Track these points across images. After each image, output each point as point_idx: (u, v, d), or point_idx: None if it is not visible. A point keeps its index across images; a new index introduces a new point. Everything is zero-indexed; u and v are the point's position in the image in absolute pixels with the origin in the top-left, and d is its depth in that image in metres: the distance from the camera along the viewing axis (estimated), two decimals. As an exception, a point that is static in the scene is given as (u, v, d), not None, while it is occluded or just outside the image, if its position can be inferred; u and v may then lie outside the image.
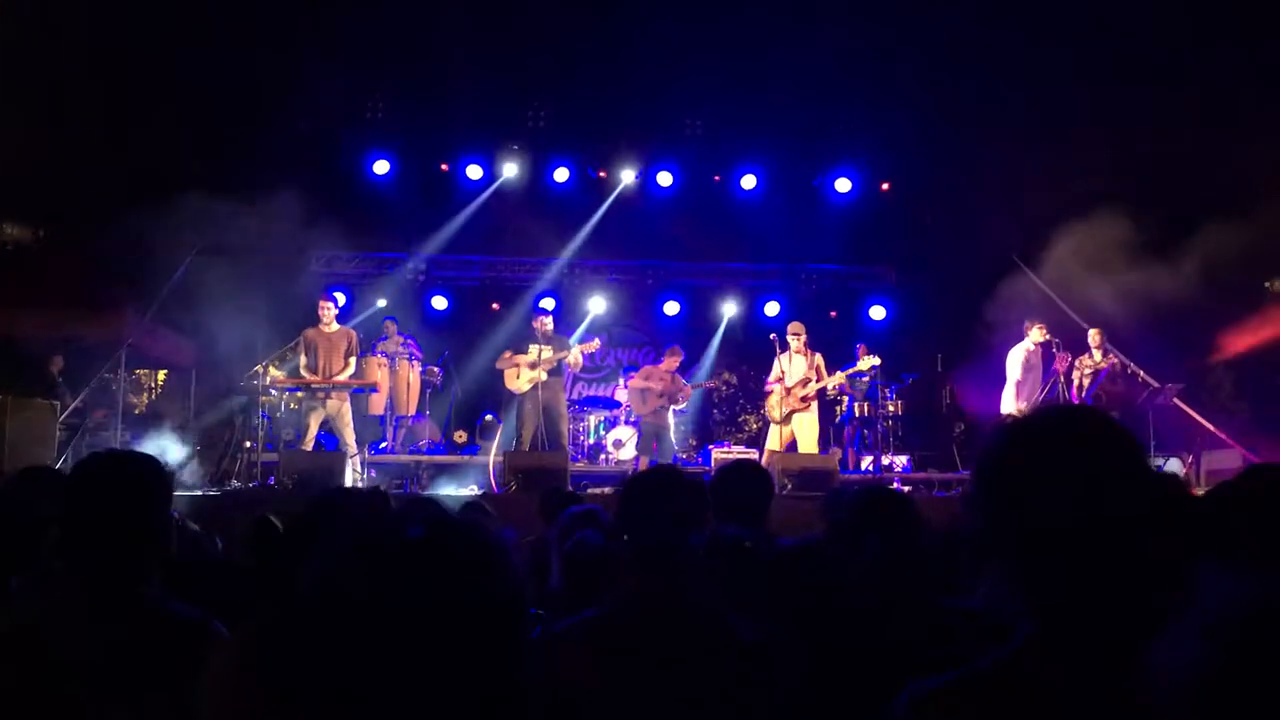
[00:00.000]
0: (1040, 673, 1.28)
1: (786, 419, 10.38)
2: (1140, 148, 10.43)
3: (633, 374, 12.01)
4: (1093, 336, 10.31)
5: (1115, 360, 10.19)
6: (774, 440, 10.46)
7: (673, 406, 11.51)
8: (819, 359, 10.54)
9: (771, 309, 14.57)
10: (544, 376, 10.15)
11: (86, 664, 1.93)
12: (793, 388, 10.31)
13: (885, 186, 14.36)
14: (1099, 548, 1.27)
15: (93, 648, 1.95)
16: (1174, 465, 10.17)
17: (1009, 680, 1.29)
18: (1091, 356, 10.26)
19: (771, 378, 10.57)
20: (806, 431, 10.38)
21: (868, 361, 10.71)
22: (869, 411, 11.97)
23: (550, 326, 10.54)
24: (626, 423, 12.14)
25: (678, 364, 11.60)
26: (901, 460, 11.66)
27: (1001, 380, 10.57)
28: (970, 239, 12.68)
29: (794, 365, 10.46)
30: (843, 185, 14.34)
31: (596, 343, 11.01)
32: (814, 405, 10.52)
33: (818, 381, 10.46)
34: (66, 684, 1.91)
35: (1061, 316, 10.85)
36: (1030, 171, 11.62)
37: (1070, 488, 1.29)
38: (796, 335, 10.49)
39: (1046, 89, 11.22)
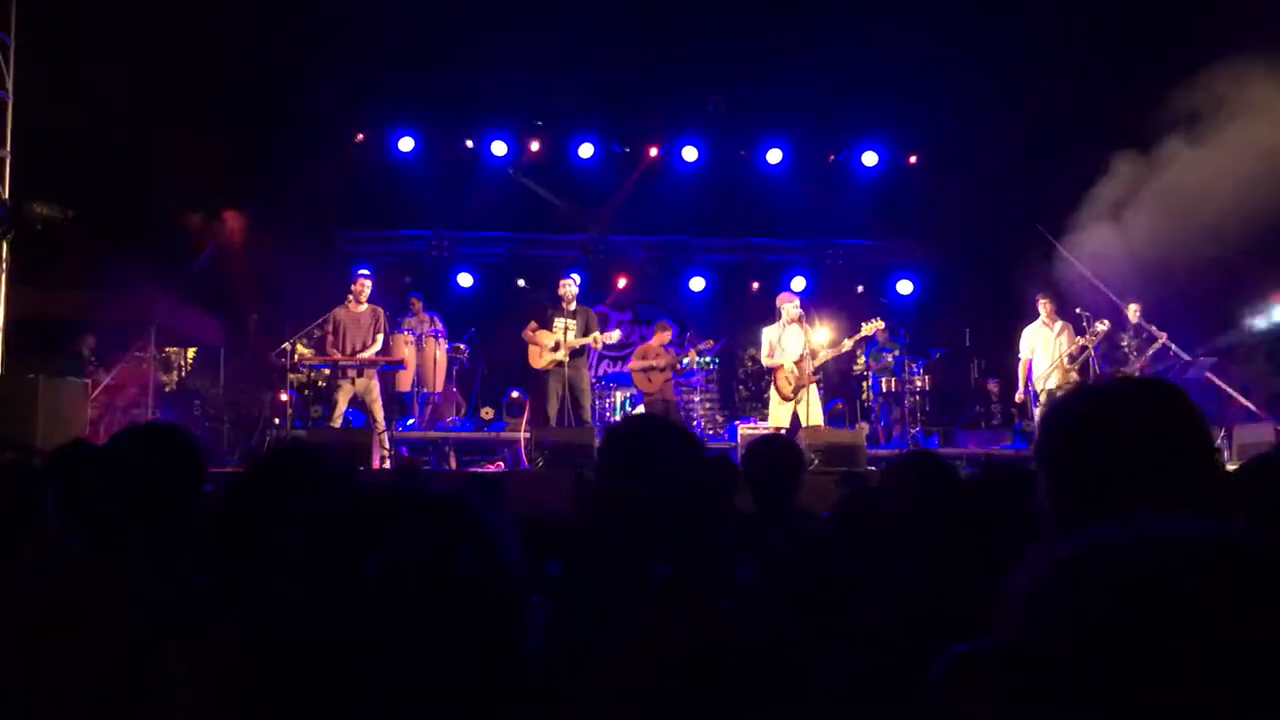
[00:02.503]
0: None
1: (795, 395, 10.15)
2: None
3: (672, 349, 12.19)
4: (1131, 311, 10.21)
5: (1130, 326, 10.11)
6: (779, 417, 10.23)
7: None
8: (818, 330, 10.42)
9: (798, 284, 14.50)
10: (565, 358, 10.14)
11: (115, 634, 1.93)
12: (801, 362, 10.12)
13: (912, 160, 14.24)
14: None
15: (122, 618, 1.95)
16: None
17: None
18: (1092, 328, 10.14)
19: (765, 352, 10.36)
20: (813, 406, 10.11)
21: (872, 326, 10.63)
22: (896, 387, 11.92)
23: (574, 291, 10.47)
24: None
25: (669, 337, 11.70)
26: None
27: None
28: (998, 212, 12.55)
29: (790, 339, 10.22)
30: (869, 159, 14.26)
31: (617, 335, 11.07)
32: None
33: (832, 348, 10.36)
34: (96, 654, 1.91)
35: (1091, 289, 10.73)
36: (1058, 143, 11.48)
37: (1123, 459, 1.28)
38: (791, 306, 10.28)
39: (1075, 58, 11.07)
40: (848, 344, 10.56)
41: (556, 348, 10.12)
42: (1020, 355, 10.45)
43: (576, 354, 10.24)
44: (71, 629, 1.93)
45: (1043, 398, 10.04)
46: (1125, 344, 10.24)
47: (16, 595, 2.05)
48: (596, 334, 10.35)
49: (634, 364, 11.55)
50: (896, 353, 12.02)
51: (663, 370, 11.33)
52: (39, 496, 2.79)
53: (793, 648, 1.80)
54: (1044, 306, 10.32)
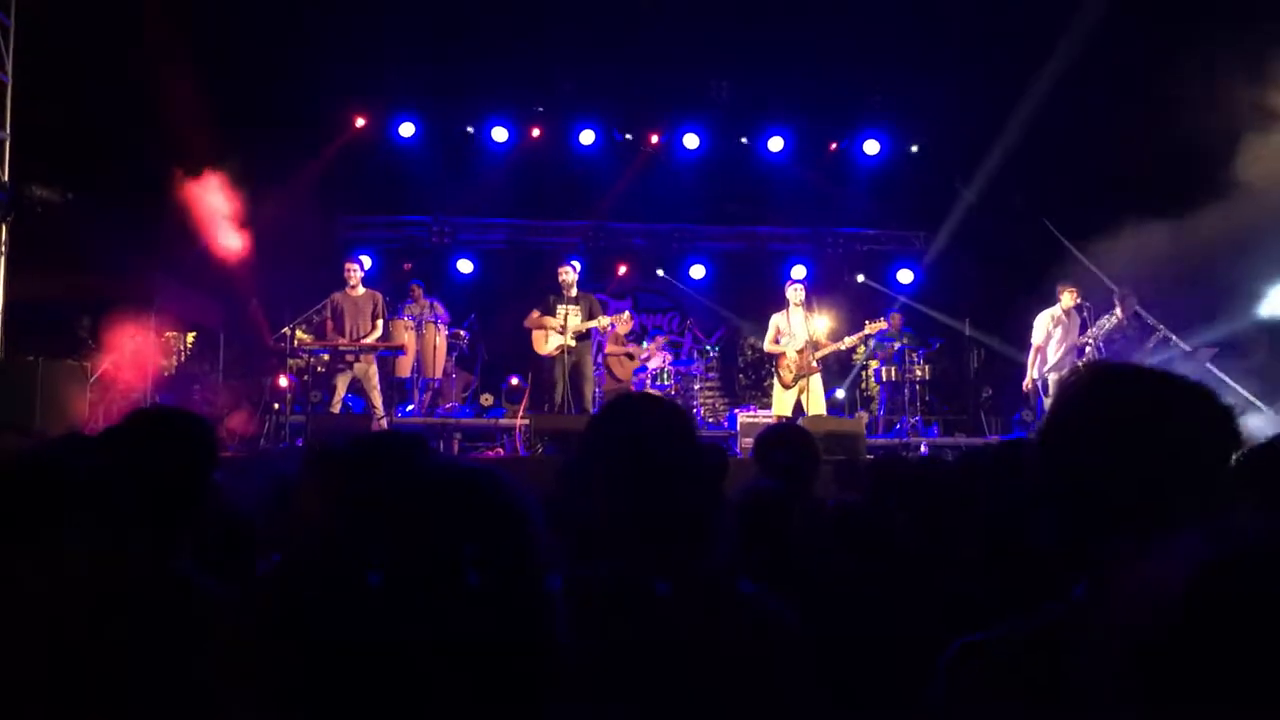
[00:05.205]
0: (1086, 634, 1.25)
1: (797, 382, 10.18)
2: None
3: (658, 336, 12.21)
4: (1128, 303, 10.18)
5: (1121, 318, 10.04)
6: (782, 405, 10.24)
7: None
8: (819, 319, 10.44)
9: (798, 272, 14.47)
10: (572, 342, 10.09)
11: (108, 632, 1.89)
12: (804, 349, 10.15)
13: (914, 149, 14.20)
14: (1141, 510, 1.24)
15: (116, 615, 1.91)
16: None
17: (1055, 638, 1.27)
18: (1110, 317, 10.11)
19: (769, 339, 10.41)
20: (815, 395, 10.13)
21: (875, 326, 10.65)
22: (896, 376, 11.90)
23: (573, 278, 10.39)
24: (653, 386, 12.15)
25: (630, 327, 11.93)
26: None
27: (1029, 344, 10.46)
28: (1000, 201, 12.52)
29: (796, 325, 10.25)
30: (871, 147, 14.22)
31: (626, 316, 11.01)
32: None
33: (832, 342, 10.37)
34: (85, 651, 1.87)
35: (1092, 278, 10.70)
36: (1060, 133, 11.44)
37: (1117, 446, 1.26)
38: (796, 291, 10.34)
39: (1077, 51, 11.02)
40: (850, 340, 10.56)
41: (562, 332, 10.09)
42: (1033, 341, 10.36)
43: (581, 339, 10.20)
44: (78, 626, 1.90)
45: (1053, 387, 9.99)
46: (1127, 332, 10.19)
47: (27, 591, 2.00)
48: (603, 317, 10.27)
49: (612, 348, 11.65)
50: (904, 341, 12.00)
51: (632, 359, 11.45)
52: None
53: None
54: (1071, 295, 10.21)
